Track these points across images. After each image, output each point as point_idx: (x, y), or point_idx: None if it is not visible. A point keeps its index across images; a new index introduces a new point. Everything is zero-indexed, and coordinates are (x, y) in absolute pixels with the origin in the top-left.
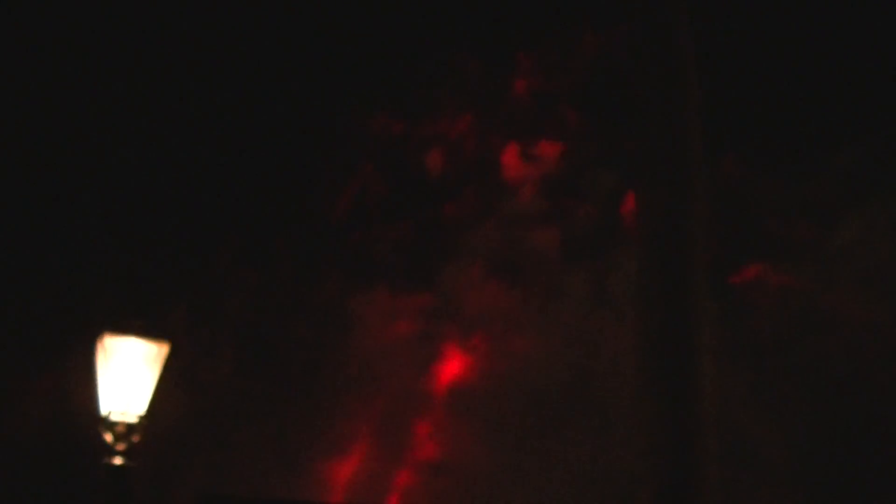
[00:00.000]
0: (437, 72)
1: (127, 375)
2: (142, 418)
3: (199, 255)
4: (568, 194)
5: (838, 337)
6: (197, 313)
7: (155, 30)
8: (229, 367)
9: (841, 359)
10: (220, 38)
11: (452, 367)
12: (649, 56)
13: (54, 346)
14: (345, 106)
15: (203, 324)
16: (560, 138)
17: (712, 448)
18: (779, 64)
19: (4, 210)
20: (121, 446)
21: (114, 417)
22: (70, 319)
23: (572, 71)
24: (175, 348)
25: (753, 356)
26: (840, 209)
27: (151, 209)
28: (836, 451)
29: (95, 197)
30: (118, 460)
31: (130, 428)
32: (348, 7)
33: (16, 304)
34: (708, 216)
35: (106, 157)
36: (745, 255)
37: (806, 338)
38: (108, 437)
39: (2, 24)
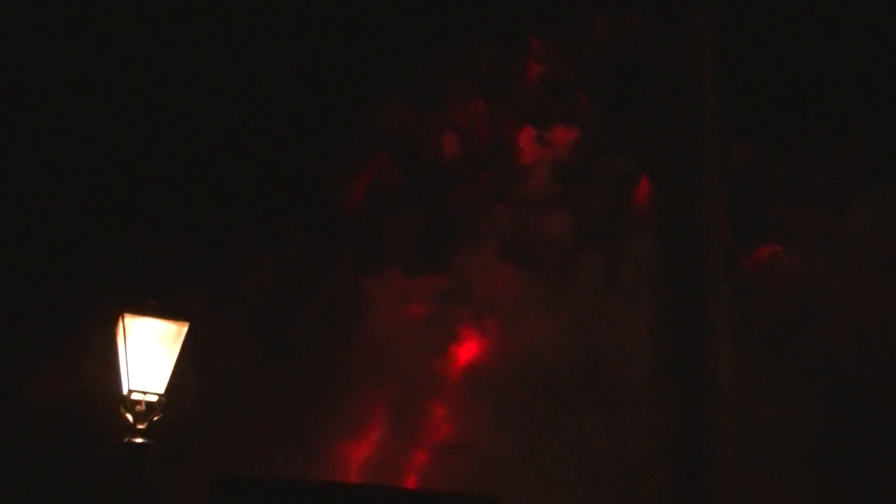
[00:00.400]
0: (450, 58)
1: (147, 355)
2: (161, 397)
3: (214, 239)
4: (580, 179)
5: (848, 319)
6: (213, 297)
7: (175, 18)
8: (245, 351)
9: (850, 340)
10: (238, 25)
11: (466, 349)
12: (664, 39)
13: (71, 329)
14: (358, 94)
15: (219, 308)
16: (573, 123)
17: (727, 428)
18: (788, 50)
19: (25, 194)
20: (141, 425)
21: (134, 396)
22: (86, 302)
23: (585, 57)
24: (192, 331)
25: (764, 338)
26: (851, 193)
27: (167, 194)
28: (846, 431)
29: (112, 181)
30: (140, 439)
31: (150, 407)
32: None
33: (33, 287)
34: (722, 198)
35: (124, 141)
36: (757, 239)
37: (816, 320)
38: (129, 416)
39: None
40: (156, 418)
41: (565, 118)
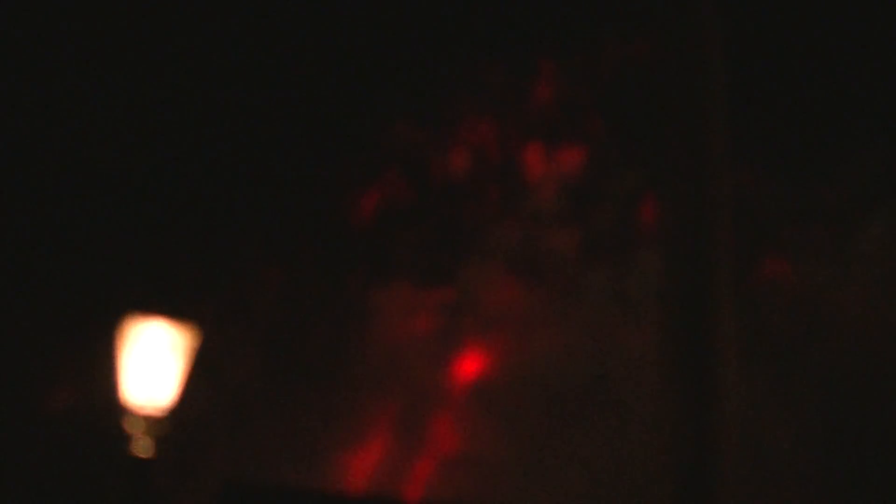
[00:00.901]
0: (460, 76)
1: (154, 365)
2: (166, 409)
3: (226, 254)
4: (588, 195)
5: (855, 338)
6: (226, 311)
7: (191, 32)
8: (254, 362)
9: (858, 359)
10: (249, 38)
11: (472, 362)
12: (675, 57)
13: (80, 337)
14: (367, 113)
15: (231, 321)
16: (582, 143)
17: (733, 446)
18: (794, 67)
19: (38, 197)
20: (144, 437)
21: (140, 407)
22: (95, 309)
23: (596, 77)
24: (203, 341)
25: (770, 356)
26: (860, 212)
27: (177, 207)
28: (850, 450)
29: (125, 192)
30: (141, 451)
31: (156, 417)
32: (367, 12)
33: (42, 295)
34: (731, 214)
35: (139, 149)
36: (764, 257)
37: (823, 338)
38: (132, 428)
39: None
40: (160, 431)
41: (574, 137)
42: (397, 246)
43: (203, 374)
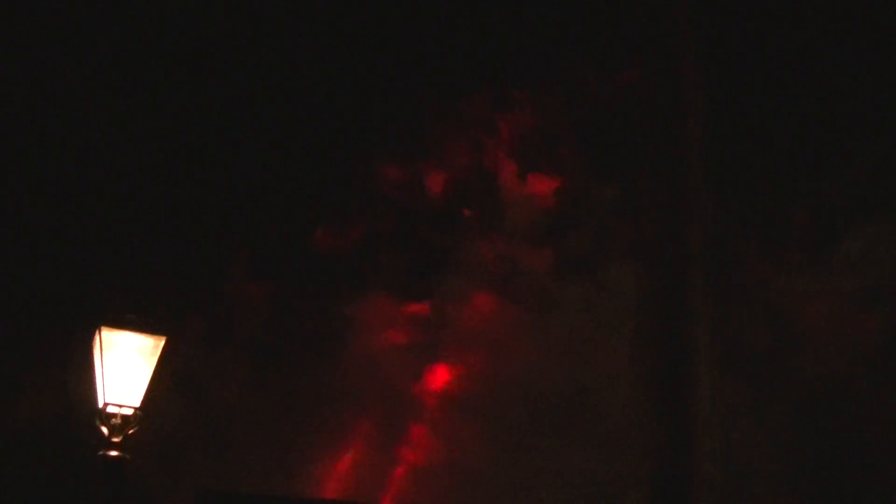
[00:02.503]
0: (438, 106)
1: (123, 368)
2: (137, 410)
3: (212, 272)
4: (562, 218)
5: (832, 348)
6: (209, 327)
7: (185, 53)
8: (232, 374)
9: (833, 368)
10: (242, 63)
11: (448, 374)
12: (653, 82)
13: (54, 341)
14: (346, 152)
15: (213, 337)
16: (557, 165)
17: (709, 451)
18: (778, 76)
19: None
20: (117, 438)
21: (110, 409)
22: (73, 316)
23: (572, 102)
24: (186, 358)
25: (745, 365)
26: (843, 222)
27: (164, 223)
28: (824, 458)
29: (110, 199)
30: (114, 452)
31: (126, 420)
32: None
33: (20, 297)
34: (707, 225)
35: (127, 164)
36: (745, 265)
37: (799, 347)
38: (105, 429)
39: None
40: (131, 431)
41: (549, 168)
42: (377, 264)
43: (183, 387)
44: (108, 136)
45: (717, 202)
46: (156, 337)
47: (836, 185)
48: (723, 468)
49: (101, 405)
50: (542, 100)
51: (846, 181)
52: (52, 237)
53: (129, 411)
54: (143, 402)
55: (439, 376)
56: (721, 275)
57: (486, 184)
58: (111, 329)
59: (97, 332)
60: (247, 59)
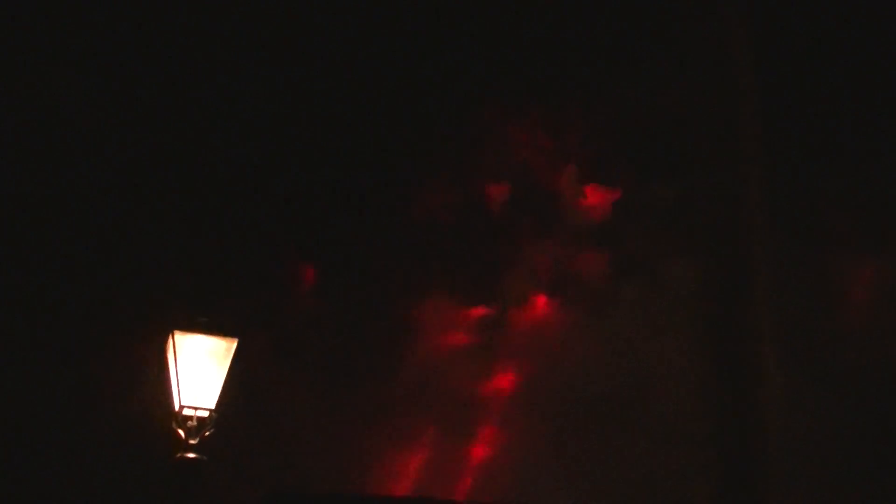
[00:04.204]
0: (505, 114)
1: (197, 371)
2: (213, 412)
3: (277, 284)
4: (619, 222)
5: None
6: (279, 340)
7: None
8: (302, 381)
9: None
10: (315, 91)
11: (511, 375)
12: (708, 64)
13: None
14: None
15: (283, 349)
16: (613, 182)
17: (774, 438)
18: (829, 67)
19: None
20: (192, 440)
21: (186, 412)
22: (148, 324)
23: (626, 119)
24: (240, 347)
25: (806, 353)
26: None
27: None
28: (886, 445)
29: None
30: (191, 454)
31: (202, 422)
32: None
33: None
34: (765, 213)
35: (198, 180)
36: (802, 254)
37: (859, 335)
38: (181, 432)
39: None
40: (207, 433)
41: (605, 177)
42: (439, 267)
43: (254, 392)
44: (183, 149)
45: (774, 193)
46: (227, 339)
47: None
48: (788, 454)
49: (176, 408)
50: (596, 112)
51: None
52: (132, 250)
53: (205, 413)
54: (218, 404)
55: (503, 377)
56: (779, 264)
57: (545, 192)
58: (184, 333)
59: (170, 335)
60: (322, 84)
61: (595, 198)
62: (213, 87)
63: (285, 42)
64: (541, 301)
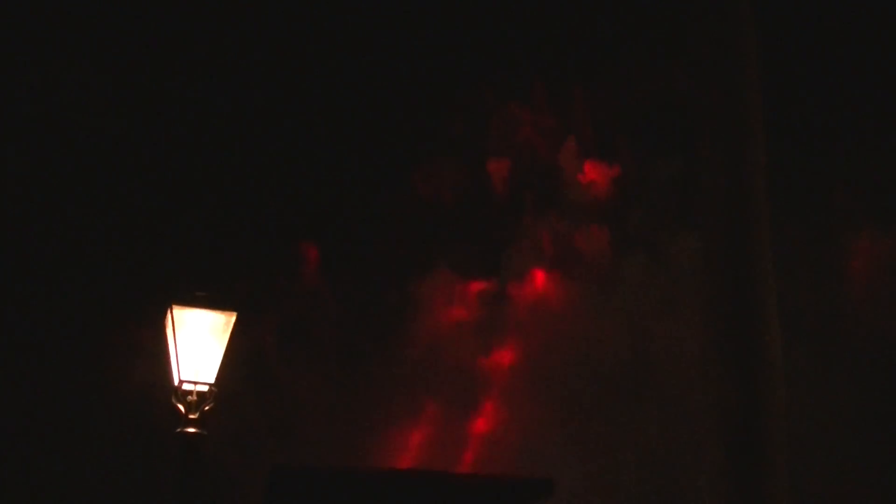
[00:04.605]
0: (510, 93)
1: (196, 346)
2: (212, 387)
3: (286, 266)
4: (621, 198)
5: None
6: (283, 320)
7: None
8: (303, 359)
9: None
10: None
11: (513, 349)
12: (709, 35)
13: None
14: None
15: (289, 330)
16: (614, 159)
17: (781, 404)
18: (834, 46)
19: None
20: (193, 415)
21: (185, 387)
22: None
23: (629, 96)
24: (240, 320)
25: (808, 327)
26: None
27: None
28: (886, 416)
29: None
30: (192, 429)
31: (202, 397)
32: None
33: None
34: (768, 183)
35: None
36: (806, 230)
37: (861, 310)
38: (181, 407)
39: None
40: (207, 408)
41: (606, 154)
42: (442, 241)
43: (260, 369)
44: (187, 132)
45: (778, 167)
46: (226, 313)
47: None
48: (793, 424)
49: (176, 383)
50: (599, 90)
51: None
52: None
53: (205, 388)
54: (218, 378)
55: (505, 351)
56: (783, 239)
57: (546, 167)
58: (182, 307)
59: (168, 310)
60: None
61: (596, 173)
62: (215, 70)
63: (287, 22)
64: (542, 276)
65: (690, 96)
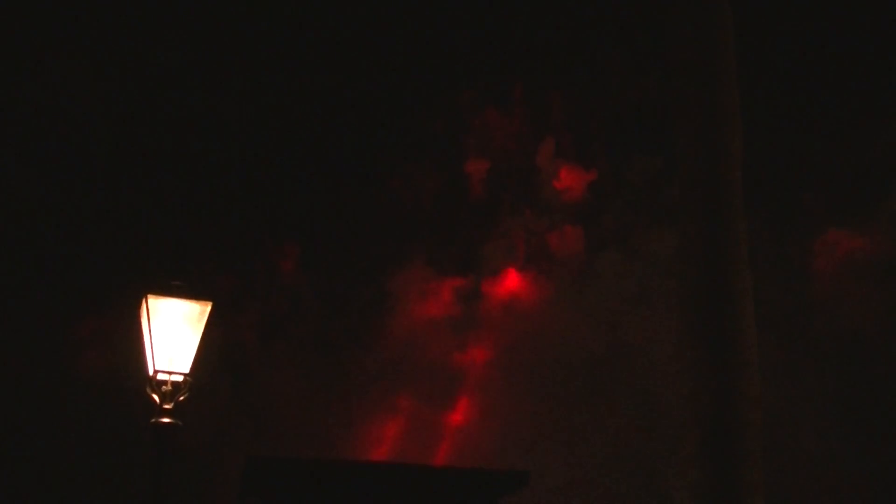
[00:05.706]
0: (483, 96)
1: (171, 335)
2: (187, 377)
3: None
4: (596, 197)
5: (865, 304)
6: (261, 315)
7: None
8: (280, 353)
9: (860, 324)
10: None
11: (489, 344)
12: (688, 40)
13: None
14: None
15: (267, 324)
16: (590, 161)
17: (755, 396)
18: (814, 33)
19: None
20: (168, 405)
21: (160, 377)
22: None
23: (606, 97)
24: (215, 310)
25: (778, 321)
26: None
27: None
28: (853, 406)
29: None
30: (166, 419)
31: (176, 387)
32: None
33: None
34: (743, 166)
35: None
36: (778, 224)
37: (830, 305)
38: (156, 397)
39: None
40: (182, 398)
41: (582, 157)
42: (417, 238)
43: (238, 363)
44: (168, 129)
45: (754, 163)
46: (201, 303)
47: (882, 143)
48: (765, 414)
49: (151, 373)
50: (576, 92)
51: (890, 141)
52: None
53: (179, 378)
54: (193, 369)
55: (481, 346)
56: (755, 233)
57: (523, 167)
58: (157, 297)
59: (143, 300)
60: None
61: (572, 178)
62: (198, 68)
63: (269, 25)
64: (516, 274)
65: (668, 92)
